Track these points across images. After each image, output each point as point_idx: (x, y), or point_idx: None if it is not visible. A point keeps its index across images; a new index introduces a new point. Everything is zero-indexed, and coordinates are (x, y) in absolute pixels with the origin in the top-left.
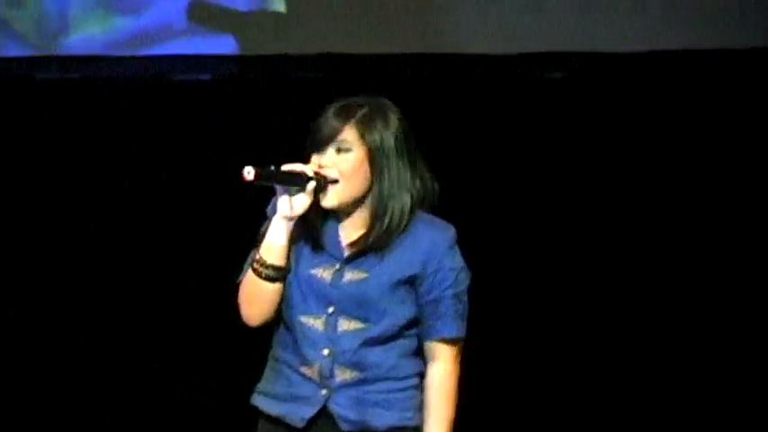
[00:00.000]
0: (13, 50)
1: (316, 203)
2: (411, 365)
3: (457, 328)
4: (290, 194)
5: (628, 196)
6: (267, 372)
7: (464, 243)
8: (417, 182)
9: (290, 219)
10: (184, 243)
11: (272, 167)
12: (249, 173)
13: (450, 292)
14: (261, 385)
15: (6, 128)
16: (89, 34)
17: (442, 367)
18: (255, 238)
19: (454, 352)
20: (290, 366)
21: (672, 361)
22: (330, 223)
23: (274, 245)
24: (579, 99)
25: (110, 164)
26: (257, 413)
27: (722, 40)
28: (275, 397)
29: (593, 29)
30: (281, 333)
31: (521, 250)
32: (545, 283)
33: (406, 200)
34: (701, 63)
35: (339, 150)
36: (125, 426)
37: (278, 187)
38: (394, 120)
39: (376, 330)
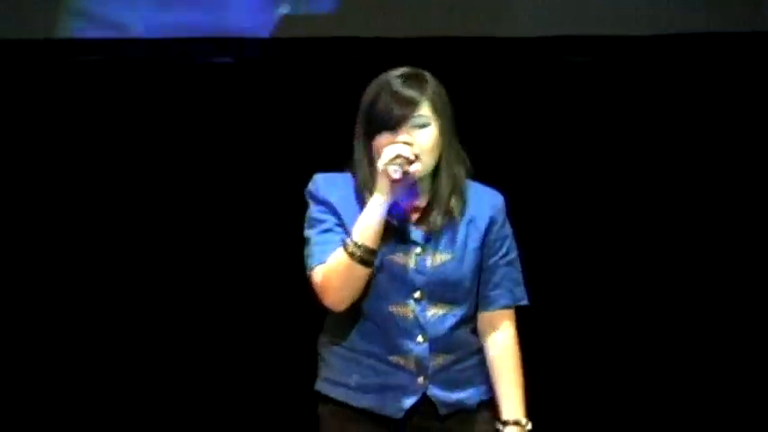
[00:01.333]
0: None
1: None
2: (476, 338)
3: (516, 295)
4: (389, 178)
5: (650, 181)
6: (337, 361)
7: None
8: (463, 152)
9: (387, 201)
10: (215, 230)
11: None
12: (396, 171)
13: (509, 258)
14: (333, 376)
15: (43, 108)
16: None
17: (509, 333)
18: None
19: (514, 318)
20: (373, 356)
21: (672, 360)
22: (395, 205)
23: (371, 227)
24: (603, 83)
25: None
26: (325, 405)
27: (746, 23)
28: (362, 388)
29: (616, 12)
30: (356, 323)
31: (542, 232)
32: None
33: (463, 171)
34: (728, 46)
35: (417, 126)
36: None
37: (381, 172)
38: (444, 89)
39: (462, 310)
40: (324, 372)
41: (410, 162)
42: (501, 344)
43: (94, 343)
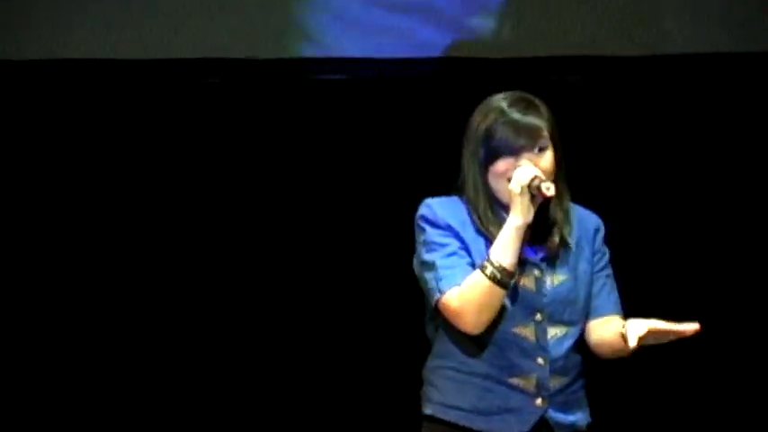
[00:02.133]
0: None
1: None
2: (583, 361)
3: (617, 308)
4: (530, 199)
5: (641, 198)
6: (449, 386)
7: None
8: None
9: (527, 222)
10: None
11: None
12: (549, 189)
13: (604, 272)
14: (445, 399)
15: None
16: None
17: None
18: (418, 247)
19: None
20: (491, 378)
21: (672, 360)
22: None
23: (512, 248)
24: (595, 102)
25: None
26: (434, 427)
27: (737, 43)
28: (478, 411)
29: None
30: (472, 346)
31: None
32: None
33: (569, 194)
34: (718, 66)
35: (539, 149)
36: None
37: (524, 196)
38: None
39: (577, 331)
40: (434, 396)
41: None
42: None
43: (104, 347)
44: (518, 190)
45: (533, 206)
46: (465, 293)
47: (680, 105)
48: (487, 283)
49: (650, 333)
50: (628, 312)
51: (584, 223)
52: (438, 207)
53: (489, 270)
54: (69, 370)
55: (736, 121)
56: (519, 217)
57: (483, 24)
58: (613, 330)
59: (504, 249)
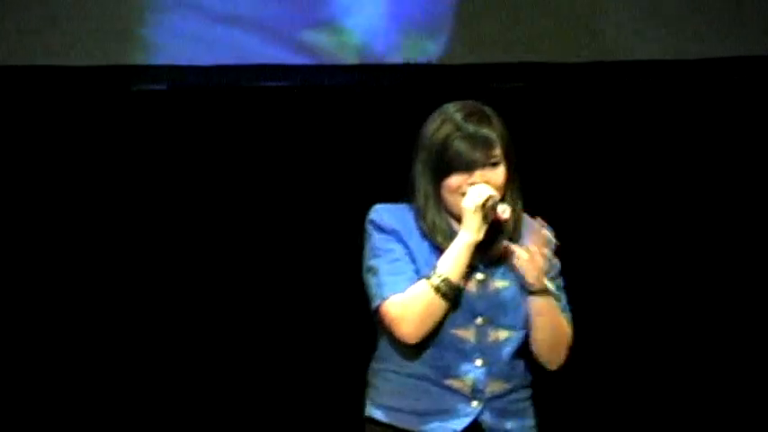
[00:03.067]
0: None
1: None
2: (530, 373)
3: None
4: (482, 217)
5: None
6: (388, 387)
7: None
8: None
9: (478, 240)
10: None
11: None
12: (504, 212)
13: (554, 283)
14: (385, 401)
15: (104, 137)
16: None
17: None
18: (360, 250)
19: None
20: (428, 380)
21: (672, 360)
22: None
23: (461, 264)
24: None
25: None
26: (374, 429)
27: (705, 49)
28: (416, 412)
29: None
30: (413, 348)
31: None
32: None
33: (521, 203)
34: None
35: (492, 164)
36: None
37: (476, 215)
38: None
39: (520, 337)
40: (375, 397)
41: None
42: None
43: (95, 353)
44: (472, 209)
45: (485, 224)
46: (407, 302)
47: (626, 112)
48: (432, 294)
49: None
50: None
51: (533, 234)
52: (386, 213)
53: (435, 281)
54: (67, 370)
55: (684, 128)
56: (470, 234)
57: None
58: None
59: (453, 264)
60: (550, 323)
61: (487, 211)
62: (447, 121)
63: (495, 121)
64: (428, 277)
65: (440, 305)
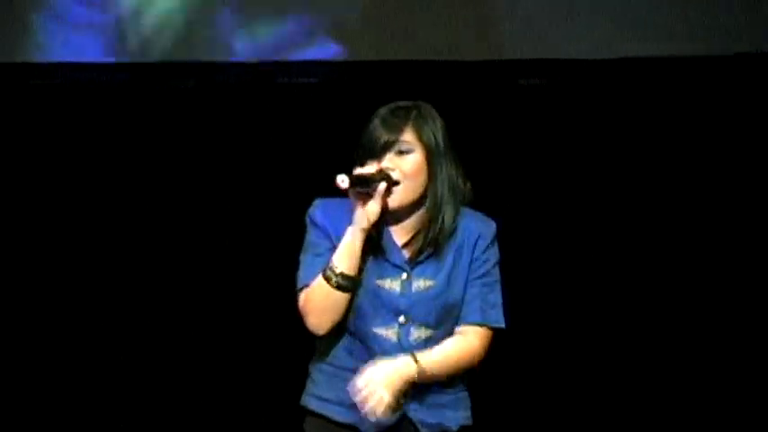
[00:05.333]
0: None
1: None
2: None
3: (490, 317)
4: (363, 206)
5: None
6: (324, 378)
7: None
8: (460, 180)
9: (366, 229)
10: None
11: (354, 173)
12: (344, 181)
13: (481, 281)
14: (319, 391)
15: (114, 134)
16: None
17: (471, 344)
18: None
19: (483, 338)
20: (356, 373)
21: (671, 361)
22: (383, 231)
23: (350, 255)
24: (559, 106)
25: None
26: (310, 419)
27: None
28: (345, 405)
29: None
30: (344, 341)
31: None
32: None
33: (456, 200)
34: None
35: (400, 152)
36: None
37: (353, 198)
38: (440, 120)
39: (444, 335)
40: (310, 388)
41: (381, 181)
42: (457, 342)
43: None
44: (345, 187)
45: (372, 213)
46: (309, 295)
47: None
48: (328, 288)
49: None
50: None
51: (469, 230)
52: (321, 208)
53: (329, 275)
54: (61, 367)
55: (670, 127)
56: (355, 221)
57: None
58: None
59: (343, 255)
60: (452, 372)
61: (358, 192)
62: (373, 118)
63: (419, 113)
64: (324, 272)
65: (339, 297)
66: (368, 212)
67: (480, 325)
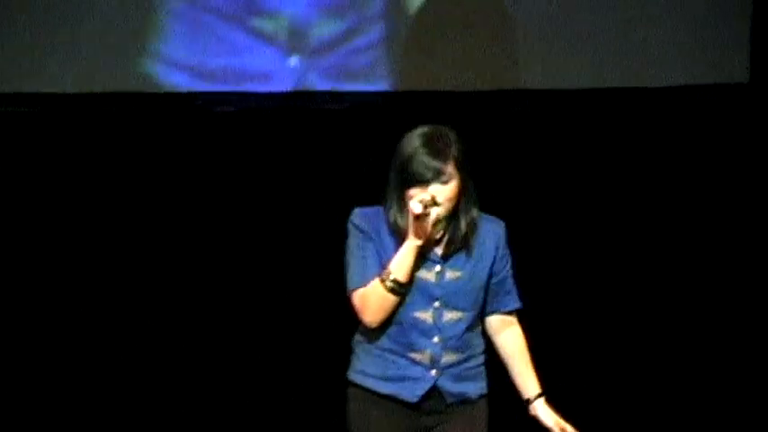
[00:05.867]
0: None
1: None
2: (482, 342)
3: (519, 301)
4: (420, 225)
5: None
6: (366, 357)
7: None
8: (475, 194)
9: (420, 245)
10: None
11: (419, 201)
12: (417, 208)
13: (510, 272)
14: (363, 368)
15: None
16: None
17: (518, 329)
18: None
19: (517, 317)
20: (395, 353)
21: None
22: None
23: (405, 265)
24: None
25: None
26: (355, 390)
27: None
28: (384, 378)
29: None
30: (382, 326)
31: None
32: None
33: (477, 209)
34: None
35: (442, 182)
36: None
37: (411, 218)
38: (461, 144)
39: (471, 317)
40: (355, 364)
41: (432, 205)
42: (513, 338)
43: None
44: (413, 216)
45: (424, 230)
46: (365, 296)
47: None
48: (384, 291)
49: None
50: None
51: (486, 230)
52: (361, 217)
53: (386, 282)
54: (67, 372)
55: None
56: (412, 238)
57: None
58: (516, 372)
59: (400, 266)
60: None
61: (424, 219)
62: (412, 143)
63: (452, 144)
64: (381, 278)
65: (391, 299)
66: (424, 231)
67: (518, 310)
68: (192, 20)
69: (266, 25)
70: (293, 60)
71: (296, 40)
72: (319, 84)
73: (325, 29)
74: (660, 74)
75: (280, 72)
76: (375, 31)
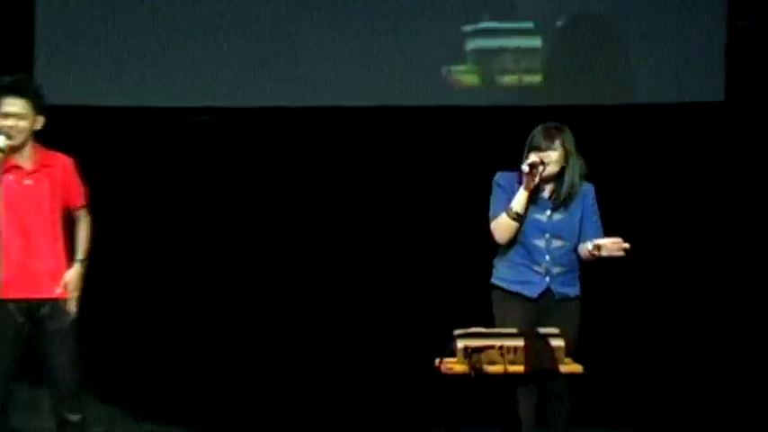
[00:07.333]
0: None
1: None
2: (577, 261)
3: (602, 234)
4: (531, 177)
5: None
6: (503, 268)
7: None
8: (580, 165)
9: (531, 189)
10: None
11: (530, 162)
12: (526, 167)
13: (596, 218)
14: (501, 275)
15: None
16: None
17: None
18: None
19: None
20: (523, 265)
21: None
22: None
23: (521, 202)
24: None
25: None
26: (495, 290)
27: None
28: (513, 282)
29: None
30: (513, 246)
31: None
32: None
33: (578, 174)
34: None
35: (552, 149)
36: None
37: (525, 173)
38: (571, 134)
39: (571, 244)
40: (495, 272)
41: (540, 165)
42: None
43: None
44: (524, 171)
45: (533, 181)
46: (498, 223)
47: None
48: (507, 219)
49: (598, 245)
50: None
51: (583, 191)
52: (501, 176)
53: (510, 213)
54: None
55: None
56: (524, 187)
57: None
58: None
59: (517, 202)
60: None
61: (533, 173)
62: (538, 128)
63: (561, 131)
64: (506, 210)
65: (513, 224)
66: (534, 181)
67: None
68: None
69: None
70: None
71: None
72: None
73: None
74: (641, 92)
75: None
76: None
